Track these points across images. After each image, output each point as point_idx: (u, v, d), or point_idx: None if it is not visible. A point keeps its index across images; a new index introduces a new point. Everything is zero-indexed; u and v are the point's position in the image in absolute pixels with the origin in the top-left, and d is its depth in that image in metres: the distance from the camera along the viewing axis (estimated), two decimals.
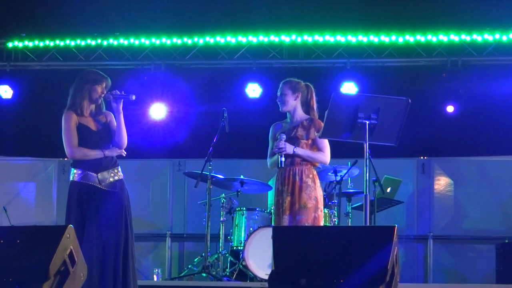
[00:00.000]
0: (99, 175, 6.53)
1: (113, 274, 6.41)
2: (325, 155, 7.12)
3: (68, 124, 6.55)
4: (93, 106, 6.66)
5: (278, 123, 7.33)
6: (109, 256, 6.42)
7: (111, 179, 6.58)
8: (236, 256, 9.47)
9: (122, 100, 6.64)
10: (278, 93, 7.24)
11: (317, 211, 7.05)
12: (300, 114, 7.21)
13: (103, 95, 6.64)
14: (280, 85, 7.25)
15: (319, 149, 7.12)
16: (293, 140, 7.09)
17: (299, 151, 7.03)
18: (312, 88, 7.28)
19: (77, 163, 6.58)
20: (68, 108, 6.62)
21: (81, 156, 6.54)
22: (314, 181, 7.08)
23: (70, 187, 6.60)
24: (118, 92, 6.64)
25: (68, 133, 6.55)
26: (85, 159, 6.54)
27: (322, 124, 6.94)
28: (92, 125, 6.62)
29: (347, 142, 6.50)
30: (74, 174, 6.56)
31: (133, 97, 6.70)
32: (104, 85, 6.65)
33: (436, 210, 11.15)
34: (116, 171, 6.63)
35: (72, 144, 6.54)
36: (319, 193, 7.11)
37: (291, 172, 7.08)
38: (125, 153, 6.71)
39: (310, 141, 7.11)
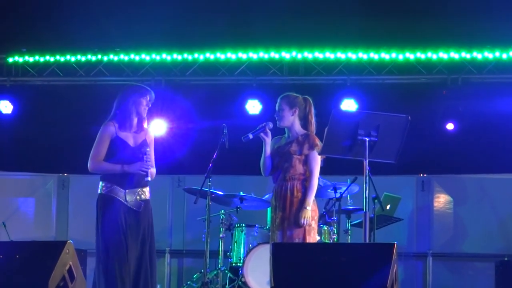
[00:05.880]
0: (127, 192, 6.42)
1: None
2: (314, 178, 6.95)
3: (102, 136, 6.45)
4: (135, 121, 6.56)
5: (277, 137, 7.20)
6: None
7: (138, 198, 6.47)
8: (235, 272, 9.45)
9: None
10: (276, 108, 7.13)
11: (309, 226, 6.85)
12: (297, 129, 7.09)
13: (147, 108, 6.55)
14: (278, 100, 7.14)
15: (310, 168, 6.94)
16: (286, 156, 6.98)
17: (307, 204, 6.86)
18: (311, 102, 7.15)
19: (105, 176, 6.46)
20: (110, 119, 6.52)
21: (96, 170, 6.43)
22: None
23: (98, 200, 6.46)
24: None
25: (97, 145, 6.45)
26: (108, 173, 6.42)
27: (317, 140, 6.91)
28: (130, 140, 6.51)
29: (346, 159, 6.49)
30: (102, 187, 6.45)
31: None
32: (148, 98, 6.56)
33: (436, 228, 11.14)
34: (144, 190, 6.52)
35: (94, 157, 6.44)
36: (312, 208, 6.92)
37: (282, 188, 6.95)
38: (150, 179, 6.50)
39: (303, 157, 6.97)
